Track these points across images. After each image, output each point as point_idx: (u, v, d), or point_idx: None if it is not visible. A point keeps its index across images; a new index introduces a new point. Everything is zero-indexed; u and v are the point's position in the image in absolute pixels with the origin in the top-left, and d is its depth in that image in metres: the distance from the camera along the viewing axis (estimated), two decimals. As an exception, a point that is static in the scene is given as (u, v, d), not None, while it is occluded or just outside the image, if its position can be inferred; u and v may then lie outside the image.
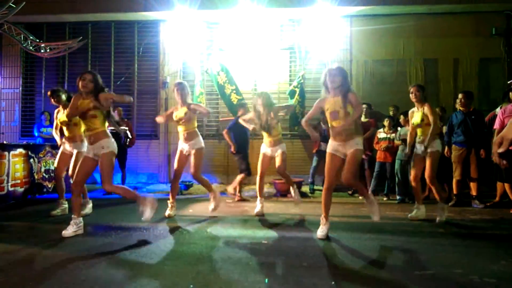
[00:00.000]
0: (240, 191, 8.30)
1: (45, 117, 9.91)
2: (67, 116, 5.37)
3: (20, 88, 11.33)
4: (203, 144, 6.28)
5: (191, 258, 4.08)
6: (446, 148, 7.60)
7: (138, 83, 11.05)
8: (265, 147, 6.67)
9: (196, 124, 6.31)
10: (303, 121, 5.34)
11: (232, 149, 8.30)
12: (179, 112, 6.16)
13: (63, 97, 6.61)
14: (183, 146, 6.25)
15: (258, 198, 6.64)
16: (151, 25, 10.98)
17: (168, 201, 6.32)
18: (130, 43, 11.10)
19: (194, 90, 10.01)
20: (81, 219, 5.16)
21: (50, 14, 10.63)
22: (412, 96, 6.05)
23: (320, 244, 4.65)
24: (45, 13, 10.56)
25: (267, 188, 8.02)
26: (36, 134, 9.84)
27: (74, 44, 9.69)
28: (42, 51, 9.60)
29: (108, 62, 11.15)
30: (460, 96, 7.62)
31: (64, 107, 6.42)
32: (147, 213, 5.14)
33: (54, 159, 8.36)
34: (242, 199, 8.14)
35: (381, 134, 8.32)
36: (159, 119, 6.69)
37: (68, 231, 4.95)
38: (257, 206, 6.59)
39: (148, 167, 10.83)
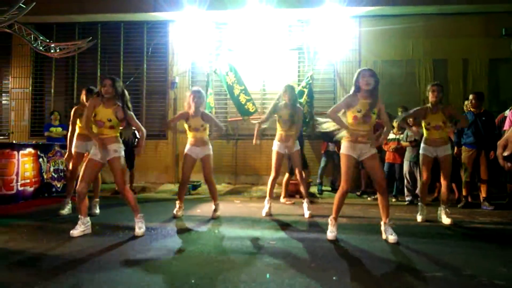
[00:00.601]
0: (286, 193, 8.26)
1: (55, 117, 9.96)
2: (85, 123, 5.18)
3: (30, 88, 11.41)
4: (211, 152, 6.31)
5: (199, 258, 4.08)
6: (456, 148, 7.55)
7: (147, 83, 11.08)
8: (279, 145, 6.55)
9: (208, 132, 6.34)
10: (331, 112, 4.88)
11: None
12: (195, 123, 6.14)
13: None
14: (192, 150, 6.22)
15: (267, 198, 6.62)
16: (160, 25, 11.00)
17: (177, 202, 6.33)
18: (139, 44, 11.14)
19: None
20: (88, 218, 5.18)
21: (60, 15, 10.70)
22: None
23: (328, 245, 4.63)
24: (55, 14, 10.64)
25: (274, 189, 8.01)
26: (45, 133, 9.89)
27: (84, 44, 9.74)
28: (52, 51, 9.65)
29: (117, 62, 11.20)
30: (471, 97, 7.56)
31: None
32: (140, 229, 5.12)
33: (63, 159, 8.43)
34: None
35: (390, 135, 8.27)
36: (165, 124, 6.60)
37: (77, 231, 4.98)
38: (265, 207, 6.58)
39: (157, 167, 10.85)
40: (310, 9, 9.96)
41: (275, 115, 6.53)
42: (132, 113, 5.20)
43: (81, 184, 5.01)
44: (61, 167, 8.62)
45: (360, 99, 4.79)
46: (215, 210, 6.33)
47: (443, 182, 6.01)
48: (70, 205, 6.50)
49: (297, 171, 6.62)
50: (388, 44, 10.37)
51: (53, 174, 8.38)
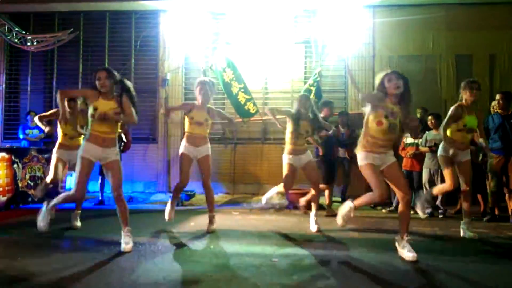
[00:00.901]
0: (330, 205, 8.18)
1: (31, 117, 9.97)
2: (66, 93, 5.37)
3: (3, 85, 11.43)
4: (210, 152, 6.33)
5: (192, 277, 4.09)
6: (481, 155, 7.53)
7: (135, 80, 11.08)
8: (290, 157, 6.49)
9: (209, 130, 6.38)
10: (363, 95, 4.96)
11: (320, 152, 8.09)
12: (199, 115, 6.15)
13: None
14: (190, 150, 6.19)
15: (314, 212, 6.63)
16: (150, 15, 11.04)
17: (169, 202, 6.39)
18: (127, 36, 11.17)
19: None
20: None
21: (37, 3, 10.72)
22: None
23: (337, 263, 4.63)
24: (32, 2, 10.66)
25: (278, 199, 8.00)
26: (20, 136, 9.92)
27: (64, 36, 9.76)
28: (29, 44, 9.69)
29: (102, 56, 11.23)
30: (498, 97, 7.53)
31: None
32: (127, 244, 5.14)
33: (40, 165, 8.44)
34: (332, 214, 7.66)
35: (408, 139, 8.25)
36: (163, 109, 6.59)
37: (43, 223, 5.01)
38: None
39: (145, 175, 10.86)
40: (318, -3, 10.01)
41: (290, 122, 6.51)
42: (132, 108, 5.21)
43: (80, 189, 5.04)
44: (38, 174, 8.62)
45: (388, 103, 4.75)
46: (211, 223, 6.31)
47: (464, 190, 6.00)
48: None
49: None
50: (405, 37, 10.40)
51: (29, 181, 8.38)
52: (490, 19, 10.15)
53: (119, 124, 5.22)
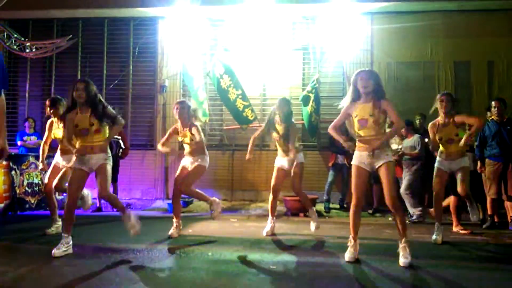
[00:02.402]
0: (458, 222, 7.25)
1: (29, 124, 9.97)
2: (68, 140, 5.38)
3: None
4: (206, 164, 6.41)
5: (190, 285, 4.05)
6: (479, 163, 7.55)
7: (133, 87, 11.10)
8: (281, 160, 6.62)
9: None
10: (330, 129, 5.23)
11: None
12: (185, 136, 6.30)
13: (61, 110, 6.60)
14: (186, 160, 6.38)
15: (269, 217, 6.64)
16: (148, 22, 11.06)
17: (174, 220, 6.35)
18: (125, 42, 11.18)
19: (197, 95, 9.94)
20: (70, 237, 5.19)
21: (37, 10, 10.73)
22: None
23: (336, 270, 4.61)
24: (31, 9, 10.67)
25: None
26: (18, 143, 9.89)
27: (63, 43, 9.75)
28: (28, 50, 9.67)
29: (100, 63, 11.23)
30: (495, 104, 7.53)
31: (60, 120, 6.43)
32: (135, 227, 5.27)
33: (38, 171, 8.42)
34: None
35: (393, 145, 8.21)
36: (164, 149, 6.60)
37: (59, 250, 5.00)
38: (267, 225, 6.58)
39: (143, 181, 10.83)
40: (317, 4, 10.03)
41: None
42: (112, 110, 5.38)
43: (73, 199, 5.16)
44: (36, 180, 8.60)
45: (359, 103, 4.97)
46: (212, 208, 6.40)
47: (460, 192, 6.10)
48: (59, 223, 6.46)
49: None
50: (403, 44, 10.41)
51: (26, 188, 8.35)
52: (488, 26, 10.17)
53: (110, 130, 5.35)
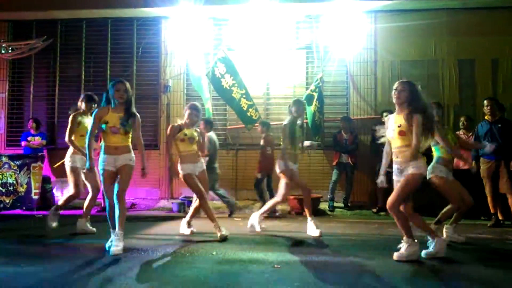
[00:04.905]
0: None
1: (31, 125, 9.96)
2: (90, 137, 5.46)
3: (6, 93, 11.43)
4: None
5: (194, 284, 4.05)
6: (474, 162, 7.58)
7: (137, 87, 11.08)
8: (292, 164, 6.68)
9: None
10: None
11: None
12: (191, 132, 6.39)
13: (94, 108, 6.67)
14: (191, 168, 6.37)
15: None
16: (152, 22, 11.05)
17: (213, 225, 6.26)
18: (129, 43, 11.17)
19: (203, 94, 9.95)
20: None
21: (39, 11, 10.74)
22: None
23: (340, 269, 4.61)
24: (35, 10, 10.67)
25: (280, 205, 7.96)
26: (22, 143, 9.91)
27: (38, 44, 9.61)
28: (3, 51, 9.60)
29: (104, 63, 11.23)
30: (487, 103, 7.69)
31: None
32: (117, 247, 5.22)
33: (12, 171, 8.38)
34: None
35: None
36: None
37: (118, 248, 5.15)
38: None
39: (147, 181, 10.80)
40: (320, 3, 10.00)
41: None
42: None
43: (109, 196, 5.39)
44: (10, 180, 8.46)
45: (395, 114, 5.12)
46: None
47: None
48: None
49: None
50: (407, 42, 10.37)
51: (0, 188, 8.26)
52: (492, 23, 10.11)
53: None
